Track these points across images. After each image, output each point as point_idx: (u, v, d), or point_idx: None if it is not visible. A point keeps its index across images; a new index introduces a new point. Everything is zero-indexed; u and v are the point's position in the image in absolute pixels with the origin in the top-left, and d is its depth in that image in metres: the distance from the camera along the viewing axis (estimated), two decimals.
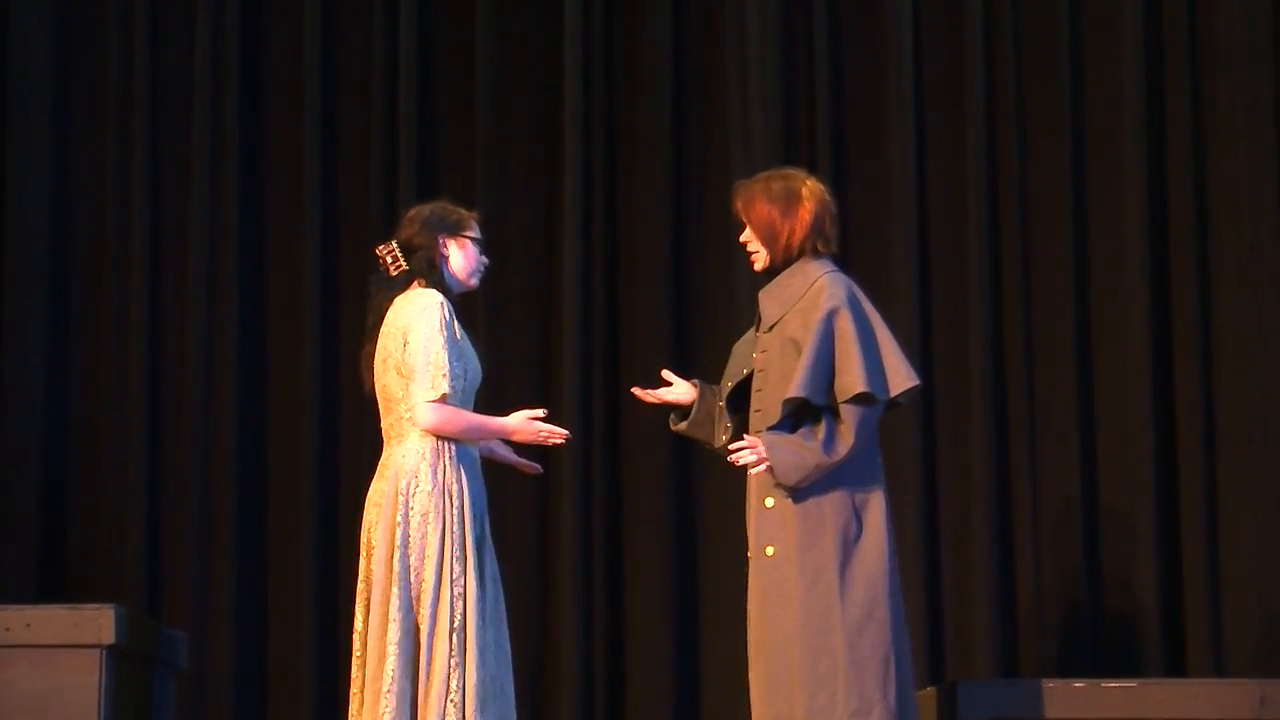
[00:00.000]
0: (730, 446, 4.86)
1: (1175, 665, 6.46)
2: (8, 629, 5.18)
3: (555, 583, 6.62)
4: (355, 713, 4.82)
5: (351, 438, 6.70)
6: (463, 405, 4.94)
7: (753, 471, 4.80)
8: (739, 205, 4.97)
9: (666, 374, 5.15)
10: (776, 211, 4.91)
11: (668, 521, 6.62)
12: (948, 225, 6.75)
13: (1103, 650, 6.48)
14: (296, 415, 6.71)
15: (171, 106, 6.86)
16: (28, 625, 5.19)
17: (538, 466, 5.25)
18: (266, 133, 6.89)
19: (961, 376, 6.66)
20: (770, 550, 4.80)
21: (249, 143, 6.86)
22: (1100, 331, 6.68)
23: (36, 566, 6.60)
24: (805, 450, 4.74)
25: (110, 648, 5.19)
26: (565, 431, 5.03)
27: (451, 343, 4.87)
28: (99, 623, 5.17)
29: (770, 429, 4.80)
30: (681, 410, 5.11)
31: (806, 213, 4.90)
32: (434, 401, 4.83)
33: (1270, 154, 6.62)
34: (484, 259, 5.10)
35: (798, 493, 4.76)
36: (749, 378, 4.96)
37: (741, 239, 4.99)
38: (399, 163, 6.79)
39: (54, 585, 6.55)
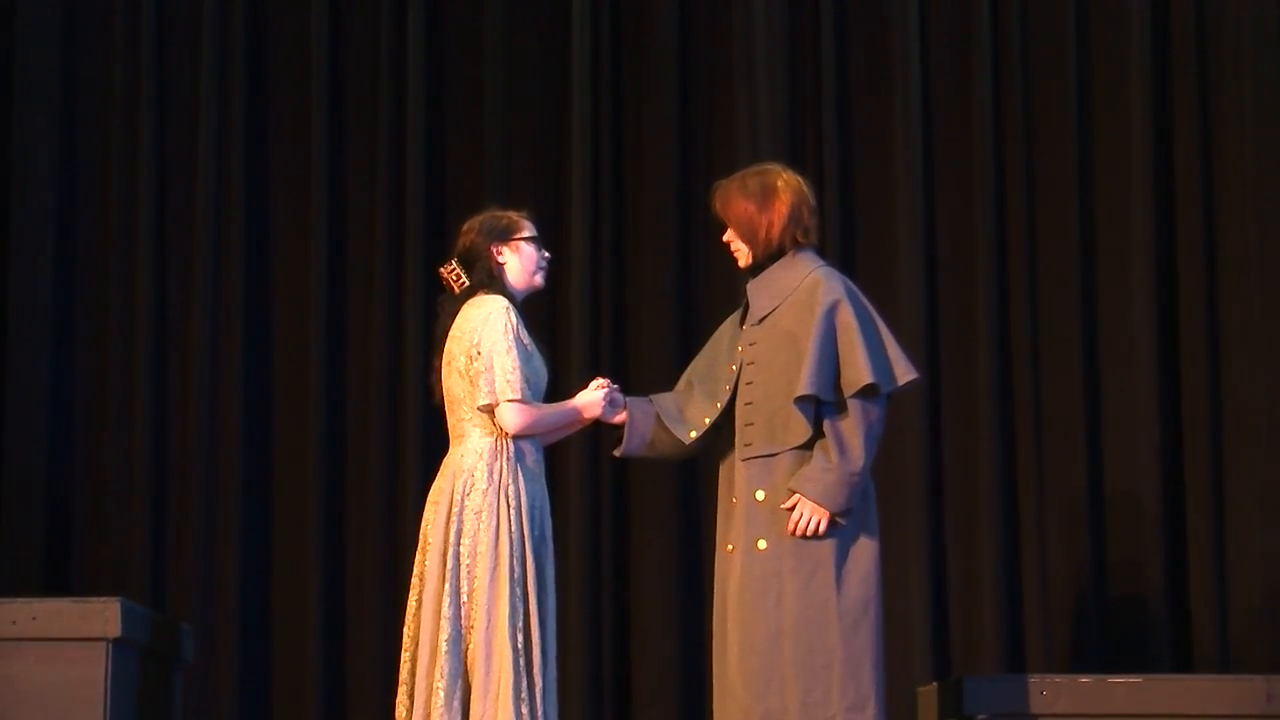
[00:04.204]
0: (792, 517, 4.77)
1: (1182, 661, 6.45)
2: (14, 622, 5.18)
3: (563, 582, 6.59)
4: (401, 701, 4.81)
5: (357, 432, 6.72)
6: None
7: (819, 528, 4.73)
8: (717, 205, 4.98)
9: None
10: (753, 207, 4.91)
11: (674, 522, 6.62)
12: (954, 220, 6.74)
13: (1109, 646, 6.47)
14: (302, 409, 6.72)
15: (177, 104, 6.87)
16: (34, 618, 5.19)
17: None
18: (273, 133, 6.90)
19: (968, 371, 6.65)
20: (762, 544, 4.78)
21: (255, 142, 6.86)
22: (1107, 326, 6.67)
23: (43, 560, 6.61)
24: (828, 472, 4.72)
25: (116, 641, 5.19)
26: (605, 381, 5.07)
27: (519, 346, 4.87)
28: (105, 616, 5.17)
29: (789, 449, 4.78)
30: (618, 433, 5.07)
31: (783, 205, 4.90)
32: (512, 402, 4.83)
33: (1278, 149, 6.60)
34: (545, 254, 5.07)
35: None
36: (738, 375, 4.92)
37: (724, 238, 5.00)
38: (405, 160, 6.79)
39: (60, 579, 6.56)
